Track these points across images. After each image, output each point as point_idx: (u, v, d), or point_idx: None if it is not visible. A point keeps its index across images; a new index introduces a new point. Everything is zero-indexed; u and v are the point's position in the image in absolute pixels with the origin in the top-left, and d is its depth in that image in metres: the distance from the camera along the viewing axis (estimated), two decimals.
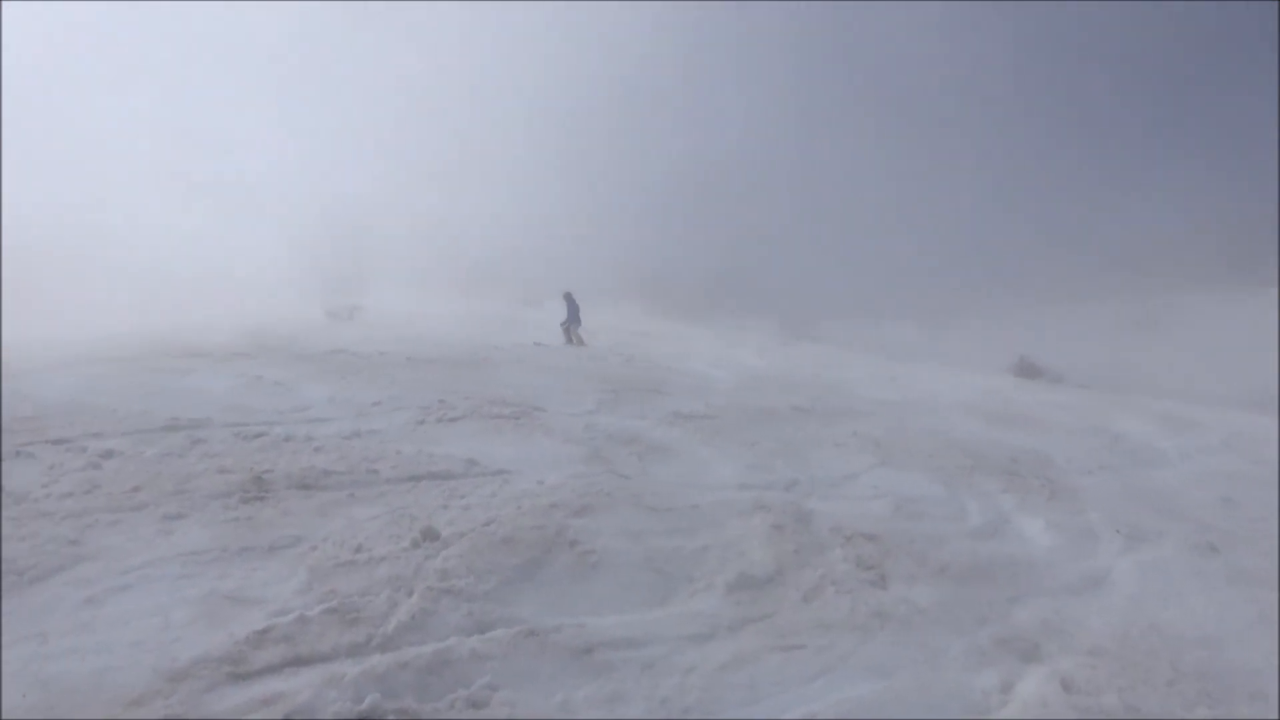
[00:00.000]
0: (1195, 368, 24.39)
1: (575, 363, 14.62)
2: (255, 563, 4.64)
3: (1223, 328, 31.98)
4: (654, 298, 34.30)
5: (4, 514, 5.06)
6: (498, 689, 3.47)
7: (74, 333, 14.82)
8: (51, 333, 14.68)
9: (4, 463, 6.22)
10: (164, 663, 3.46)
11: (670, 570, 4.97)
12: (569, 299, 20.38)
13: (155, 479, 5.93)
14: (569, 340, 19.64)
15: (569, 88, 48.93)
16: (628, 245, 41.18)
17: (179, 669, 3.42)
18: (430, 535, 5.02)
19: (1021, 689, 3.98)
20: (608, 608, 4.42)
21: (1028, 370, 22.75)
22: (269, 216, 30.80)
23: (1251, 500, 8.51)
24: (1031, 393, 17.00)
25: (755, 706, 3.60)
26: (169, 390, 9.55)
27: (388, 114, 44.90)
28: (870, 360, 20.74)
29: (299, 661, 3.58)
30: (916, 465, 8.32)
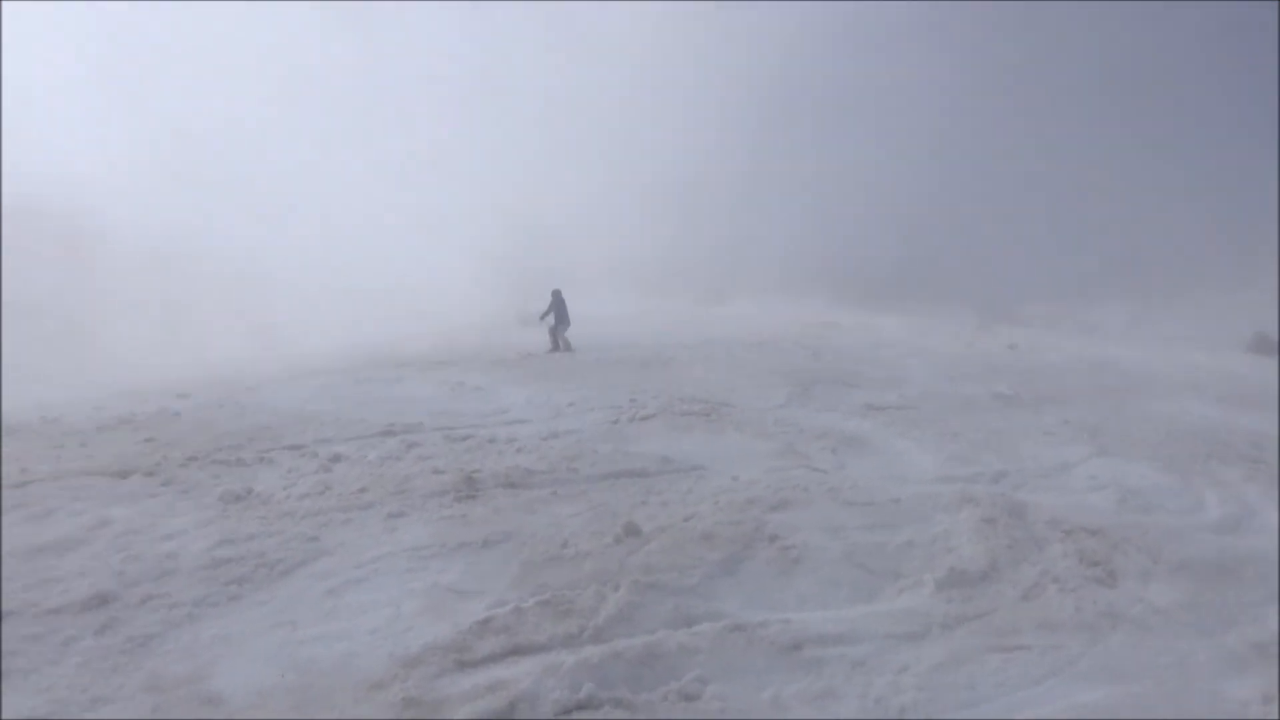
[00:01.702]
0: None
1: (760, 358, 14.53)
2: (471, 557, 4.91)
3: None
4: (839, 289, 33.48)
5: (255, 513, 5.62)
6: (708, 682, 3.49)
7: (294, 348, 16.25)
8: (273, 350, 16.15)
9: (250, 467, 6.91)
10: (399, 650, 3.73)
11: (875, 566, 4.83)
12: (556, 297, 17.42)
13: (378, 480, 6.40)
14: (555, 346, 16.95)
15: (732, 85, 48.43)
16: (809, 237, 40.40)
17: (412, 656, 3.67)
18: (632, 531, 5.13)
19: None
20: (812, 604, 4.35)
21: (1265, 346, 20.39)
22: (460, 227, 32.48)
23: None
24: (1271, 371, 15.30)
25: (976, 709, 3.42)
26: (383, 398, 10.31)
27: (566, 121, 46.19)
28: (1079, 343, 19.30)
29: (518, 651, 3.75)
30: (1140, 453, 7.67)
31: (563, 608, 4.13)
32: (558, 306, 17.22)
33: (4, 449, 7.53)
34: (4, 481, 6.39)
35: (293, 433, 8.19)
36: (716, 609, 4.19)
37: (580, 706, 3.31)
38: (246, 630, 3.97)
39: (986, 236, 39.21)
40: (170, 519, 5.54)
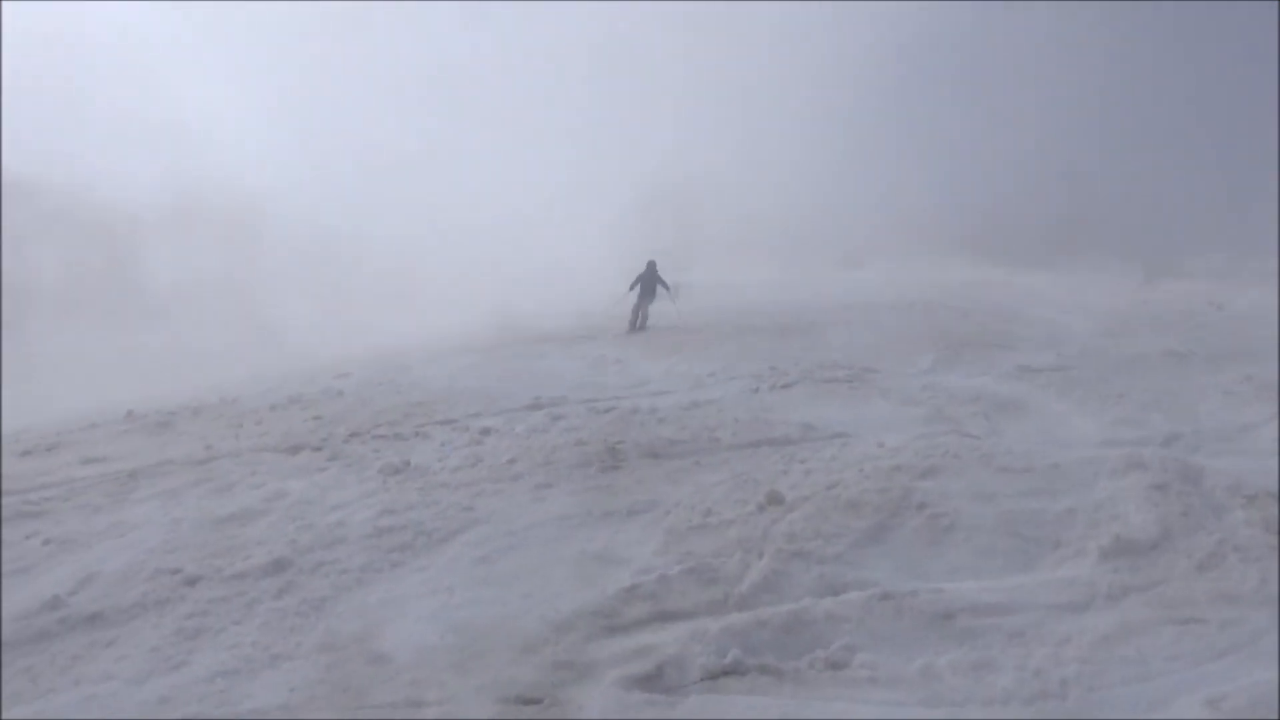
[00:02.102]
0: None
1: (905, 321, 14.08)
2: (617, 525, 5.02)
3: None
4: (987, 246, 31.90)
5: (413, 484, 5.92)
6: (856, 651, 3.43)
7: (443, 326, 16.91)
8: (428, 327, 16.86)
9: (408, 441, 7.27)
10: (550, 614, 3.85)
11: (1032, 534, 4.61)
12: (649, 269, 15.78)
13: (527, 452, 6.61)
14: (633, 324, 15.27)
15: (871, 40, 46.53)
16: (953, 193, 38.67)
17: (562, 620, 3.79)
18: (775, 499, 5.09)
19: None
20: (965, 573, 4.20)
21: None
22: (597, 202, 32.88)
23: None
24: None
25: (1146, 684, 3.22)
26: (528, 373, 10.62)
27: (698, 90, 45.83)
28: (1262, 293, 17.72)
29: (664, 617, 3.80)
30: None
31: (707, 575, 4.16)
32: (646, 278, 15.74)
33: (191, 428, 8.22)
34: (190, 458, 6.98)
35: (445, 408, 8.56)
36: (864, 577, 4.11)
37: (726, 672, 3.33)
38: (409, 594, 4.20)
39: (1146, 185, 36.36)
40: (338, 491, 5.91)
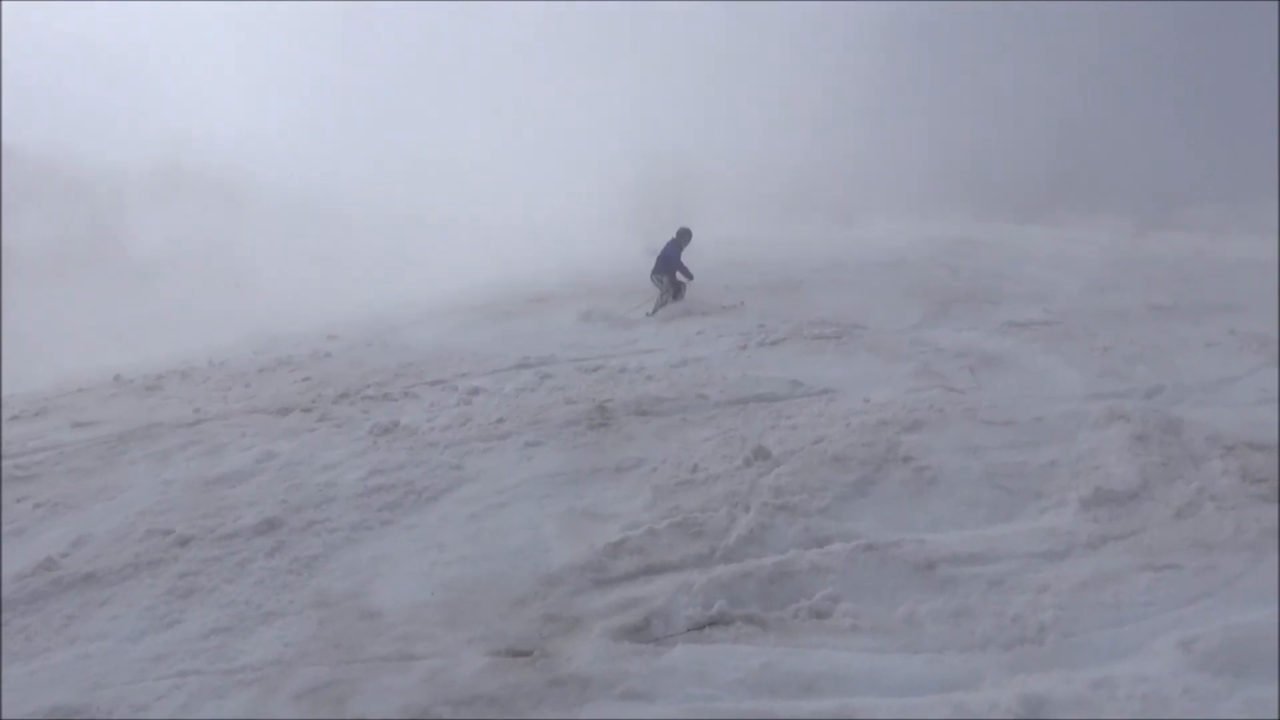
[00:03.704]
0: None
1: (895, 278, 14.10)
2: (605, 482, 5.06)
3: None
4: (979, 203, 31.80)
5: (403, 444, 5.95)
6: (839, 600, 3.50)
7: (434, 288, 16.85)
8: (416, 290, 16.80)
9: (397, 402, 7.29)
10: (539, 569, 3.91)
11: (1014, 486, 4.67)
12: (684, 236, 12.96)
13: (515, 411, 6.64)
14: (662, 302, 12.61)
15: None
16: (946, 150, 38.42)
17: (552, 575, 3.85)
18: (761, 454, 5.14)
19: None
20: (948, 524, 4.27)
21: None
22: (591, 165, 32.64)
23: None
24: None
25: (1122, 629, 3.29)
26: (518, 333, 10.64)
27: (688, 46, 45.23)
28: (1251, 244, 17.73)
29: (652, 570, 3.86)
30: None
31: (694, 529, 4.21)
32: (675, 249, 12.91)
33: (179, 391, 8.23)
34: (180, 420, 6.99)
35: (434, 369, 8.57)
36: (848, 529, 4.17)
37: (713, 622, 3.39)
38: (399, 552, 4.25)
39: (1141, 137, 36.17)
40: (327, 451, 5.93)
